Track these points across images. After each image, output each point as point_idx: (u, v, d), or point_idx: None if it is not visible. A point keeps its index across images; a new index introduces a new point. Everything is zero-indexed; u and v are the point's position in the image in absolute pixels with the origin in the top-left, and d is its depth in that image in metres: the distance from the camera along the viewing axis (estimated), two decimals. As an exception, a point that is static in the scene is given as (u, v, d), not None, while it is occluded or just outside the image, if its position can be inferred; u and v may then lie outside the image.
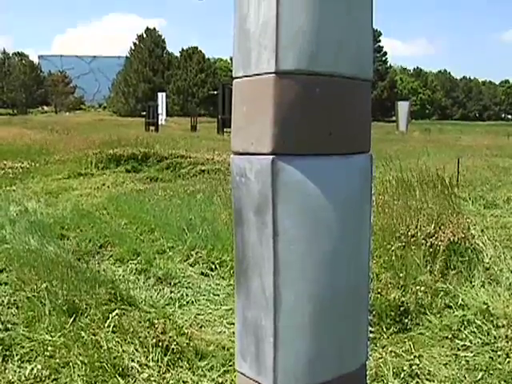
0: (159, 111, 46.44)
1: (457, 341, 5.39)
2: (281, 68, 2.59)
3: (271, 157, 2.60)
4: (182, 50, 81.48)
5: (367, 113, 2.97)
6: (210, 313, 6.34)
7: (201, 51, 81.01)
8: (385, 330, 5.63)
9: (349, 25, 2.79)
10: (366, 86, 2.94)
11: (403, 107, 52.12)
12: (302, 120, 2.63)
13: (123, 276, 7.58)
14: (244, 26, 2.75)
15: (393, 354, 5.12)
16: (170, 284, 7.24)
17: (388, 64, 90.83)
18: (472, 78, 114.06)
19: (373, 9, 2.98)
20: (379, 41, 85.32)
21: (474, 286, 6.54)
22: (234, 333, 3.10)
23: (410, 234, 7.36)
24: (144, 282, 7.31)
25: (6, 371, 4.70)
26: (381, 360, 4.94)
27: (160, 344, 4.95)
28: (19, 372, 4.70)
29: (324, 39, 2.68)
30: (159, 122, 44.55)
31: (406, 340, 5.45)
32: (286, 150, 2.61)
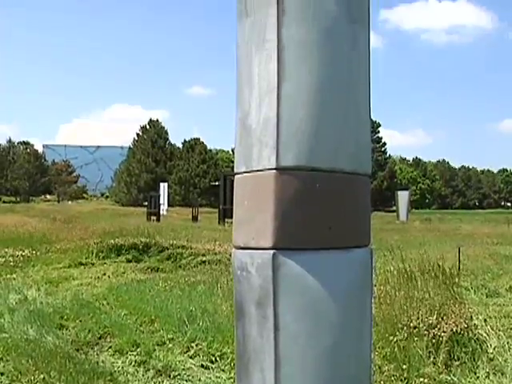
0: (161, 201, 46.76)
1: None
2: (281, 164, 2.66)
3: (272, 251, 2.64)
4: (185, 141, 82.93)
5: (367, 207, 3.03)
6: (210, 407, 6.22)
7: (203, 142, 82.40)
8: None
9: (347, 121, 2.89)
10: (365, 181, 3.01)
11: (403, 197, 52.47)
12: (303, 215, 2.69)
13: (122, 368, 7.46)
14: (245, 122, 2.85)
15: None
16: (170, 376, 7.13)
17: (387, 154, 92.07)
18: (471, 166, 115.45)
19: (370, 103, 3.09)
20: (378, 132, 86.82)
21: (478, 377, 6.45)
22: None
23: (412, 324, 7.30)
24: (143, 375, 7.20)
25: None
26: None
27: None
28: None
29: (323, 136, 2.76)
30: (161, 212, 44.78)
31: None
32: (286, 245, 2.65)
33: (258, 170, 2.75)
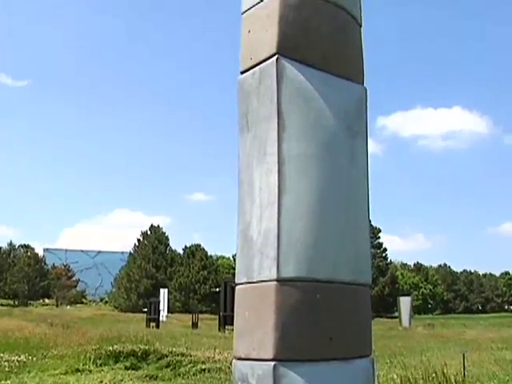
0: (161, 307, 46.23)
1: None
2: (282, 276, 2.70)
3: (273, 363, 2.63)
4: (185, 247, 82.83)
5: (367, 317, 3.04)
6: None
7: (203, 248, 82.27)
8: None
9: (347, 232, 2.95)
10: (366, 291, 3.04)
11: (405, 303, 51.85)
12: (303, 326, 2.70)
13: None
14: (247, 233, 2.91)
15: None
16: None
17: (388, 260, 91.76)
18: (472, 270, 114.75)
19: (369, 213, 3.16)
20: (379, 237, 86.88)
21: None
22: None
23: None
24: None
25: None
26: None
27: None
28: None
29: (323, 247, 2.82)
30: (160, 319, 44.17)
31: None
32: (287, 356, 2.65)
33: (258, 281, 2.78)
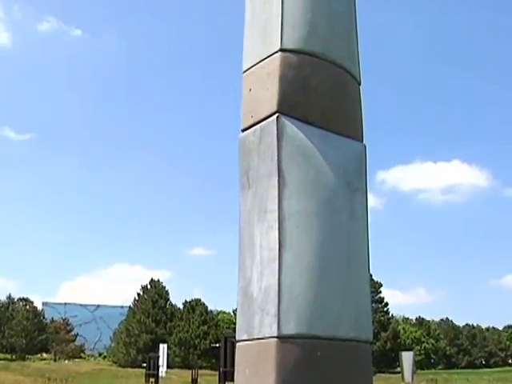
0: (160, 363, 45.58)
1: None
2: (282, 333, 2.70)
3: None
4: (186, 301, 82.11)
5: (368, 375, 3.03)
6: None
7: (203, 303, 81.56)
8: None
9: (348, 288, 2.95)
10: (366, 348, 3.03)
11: (407, 358, 51.12)
12: (303, 383, 2.68)
13: None
14: (247, 290, 2.91)
15: None
16: None
17: (390, 314, 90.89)
18: (475, 324, 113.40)
19: (370, 268, 3.16)
20: (380, 292, 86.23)
21: None
22: None
23: None
24: None
25: None
26: None
27: None
28: None
29: (324, 304, 2.82)
30: (160, 374, 43.52)
31: None
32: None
33: (259, 338, 2.78)
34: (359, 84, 3.44)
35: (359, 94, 3.41)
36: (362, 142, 3.32)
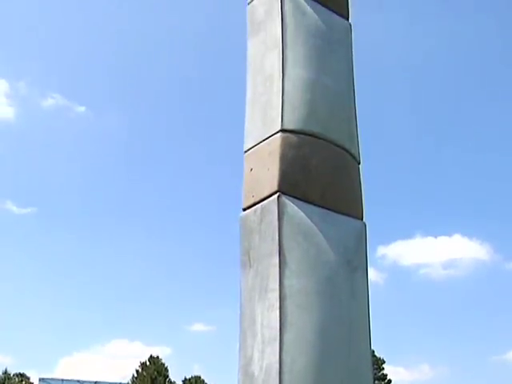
0: None
1: None
2: None
3: None
4: (185, 378, 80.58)
5: None
6: None
7: (203, 380, 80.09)
8: None
9: (349, 365, 2.94)
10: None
11: None
12: None
13: None
14: (248, 369, 2.88)
15: None
16: None
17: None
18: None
19: (371, 345, 3.14)
20: (383, 368, 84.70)
21: None
22: None
23: None
24: None
25: None
26: None
27: None
28: None
29: (325, 382, 2.80)
30: None
31: None
32: None
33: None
34: (359, 163, 3.49)
35: (359, 173, 3.46)
36: (362, 220, 3.35)
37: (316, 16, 3.56)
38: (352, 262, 3.14)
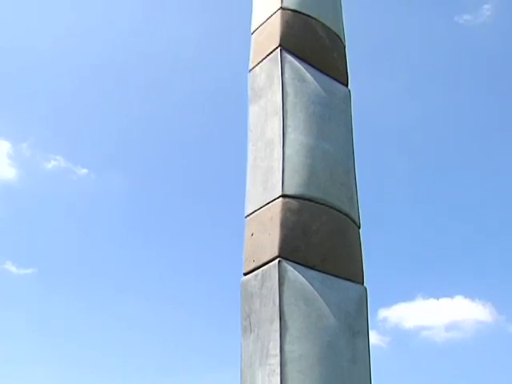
0: None
1: None
2: None
3: None
4: None
5: None
6: None
7: None
8: None
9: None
10: None
11: None
12: None
13: None
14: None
15: None
16: None
17: None
18: None
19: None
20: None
21: None
22: None
23: None
24: None
25: None
26: None
27: None
28: None
29: None
30: None
31: None
32: None
33: None
34: (359, 227, 3.51)
35: (359, 238, 3.48)
36: (363, 284, 3.35)
37: (316, 83, 3.63)
38: (353, 327, 3.13)
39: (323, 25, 3.91)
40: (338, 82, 3.84)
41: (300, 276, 3.01)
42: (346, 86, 3.93)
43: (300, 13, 3.86)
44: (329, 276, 3.13)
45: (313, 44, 3.80)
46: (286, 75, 3.60)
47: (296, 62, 3.66)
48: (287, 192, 3.21)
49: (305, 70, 3.65)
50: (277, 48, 3.71)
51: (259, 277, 3.09)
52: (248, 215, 3.40)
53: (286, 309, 2.92)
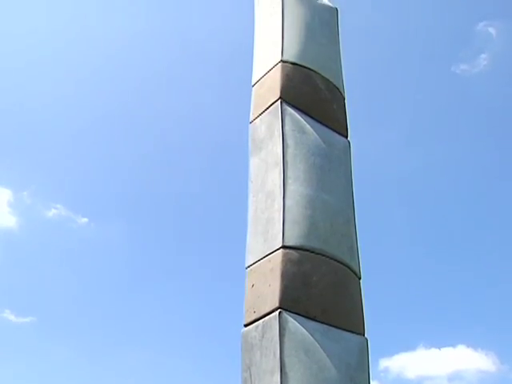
0: None
1: None
2: None
3: None
4: None
5: None
6: None
7: None
8: None
9: None
10: None
11: None
12: None
13: None
14: None
15: None
16: None
17: None
18: None
19: None
20: None
21: None
22: None
23: None
24: None
25: None
26: None
27: None
28: None
29: None
30: None
31: None
32: None
33: None
34: (359, 278, 3.52)
35: (359, 288, 3.48)
36: (364, 335, 3.34)
37: (316, 135, 3.68)
38: (354, 379, 3.11)
39: (323, 77, 3.98)
40: (338, 133, 3.89)
41: (301, 327, 3.01)
42: (346, 137, 3.98)
43: (300, 66, 3.93)
44: (330, 327, 3.12)
45: (313, 96, 3.86)
46: (287, 127, 3.64)
47: (296, 114, 3.71)
48: (288, 243, 3.22)
49: (305, 122, 3.70)
50: (277, 100, 3.76)
51: (260, 328, 3.08)
52: (249, 266, 3.41)
53: (286, 360, 2.90)
